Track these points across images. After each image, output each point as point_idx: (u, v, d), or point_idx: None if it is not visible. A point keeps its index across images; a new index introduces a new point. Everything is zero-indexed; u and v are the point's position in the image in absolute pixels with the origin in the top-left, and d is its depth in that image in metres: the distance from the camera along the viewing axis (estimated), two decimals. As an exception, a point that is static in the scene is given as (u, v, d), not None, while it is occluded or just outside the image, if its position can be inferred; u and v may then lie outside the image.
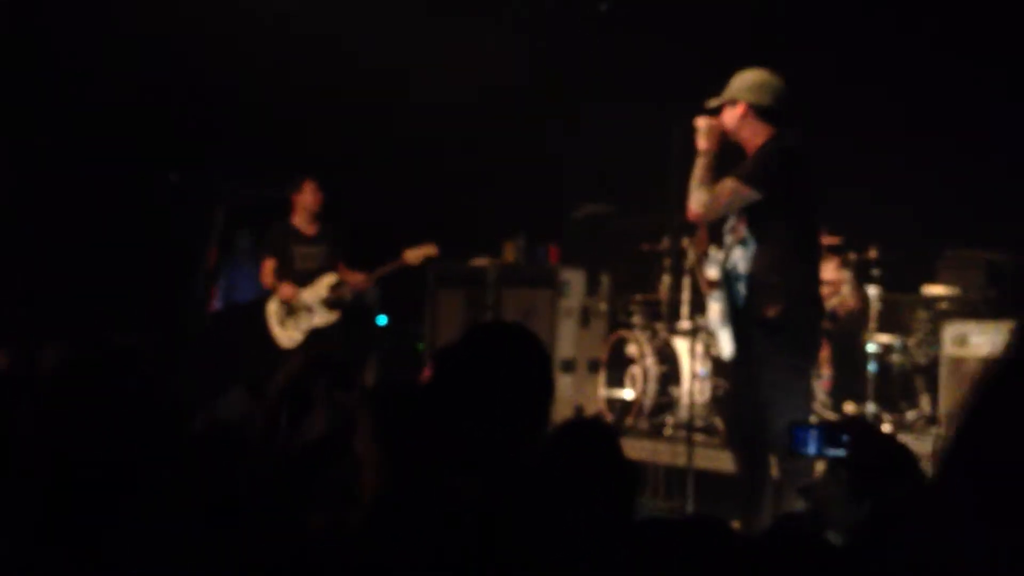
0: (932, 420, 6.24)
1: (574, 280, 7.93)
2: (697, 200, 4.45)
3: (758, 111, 4.46)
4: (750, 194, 4.32)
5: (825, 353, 6.78)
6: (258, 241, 7.72)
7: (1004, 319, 5.97)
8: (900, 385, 6.70)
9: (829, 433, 2.80)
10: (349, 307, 7.03)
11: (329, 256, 7.01)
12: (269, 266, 6.97)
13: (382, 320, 7.79)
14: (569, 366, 7.79)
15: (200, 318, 7.23)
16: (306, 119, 8.18)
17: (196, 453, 2.73)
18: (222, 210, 7.05)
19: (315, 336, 6.84)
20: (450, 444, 2.15)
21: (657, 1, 8.09)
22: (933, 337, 6.44)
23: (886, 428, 6.29)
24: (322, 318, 6.91)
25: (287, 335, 6.89)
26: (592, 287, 8.00)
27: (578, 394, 7.70)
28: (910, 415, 6.53)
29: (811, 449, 2.75)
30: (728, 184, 4.37)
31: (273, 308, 6.95)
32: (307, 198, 7.03)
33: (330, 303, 6.93)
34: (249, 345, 7.70)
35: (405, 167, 8.53)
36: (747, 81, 4.49)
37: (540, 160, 8.59)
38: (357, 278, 6.98)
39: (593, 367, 7.62)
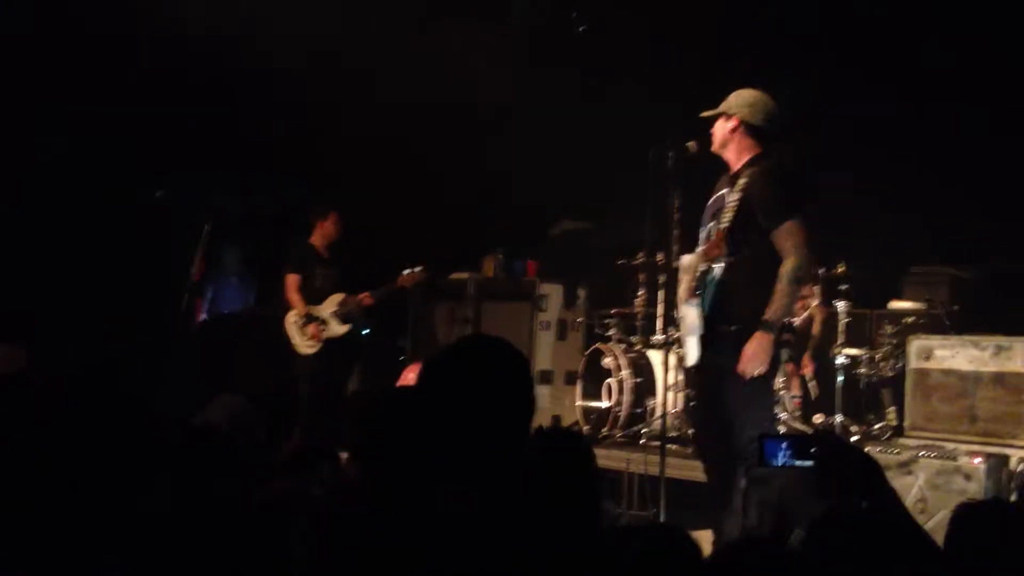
0: (898, 431, 6.41)
1: (552, 294, 8.11)
2: (797, 272, 4.43)
3: (749, 129, 4.63)
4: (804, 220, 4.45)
5: (792, 368, 6.97)
6: (246, 255, 7.91)
7: (967, 334, 6.17)
8: (867, 397, 6.89)
9: (798, 445, 2.86)
10: (357, 320, 7.69)
11: (340, 277, 7.69)
12: (294, 281, 7.60)
13: (364, 331, 7.94)
14: (547, 377, 7.96)
15: (186, 329, 7.37)
16: (292, 135, 8.29)
17: (175, 459, 2.84)
18: (208, 224, 7.20)
19: (330, 345, 7.51)
20: (434, 454, 2.24)
21: (637, 20, 8.25)
22: (899, 351, 6.62)
23: (853, 439, 6.48)
24: (335, 330, 7.56)
25: (306, 343, 7.51)
26: (569, 301, 8.17)
27: (555, 405, 7.87)
28: (877, 427, 6.72)
29: (780, 460, 2.81)
30: (795, 228, 4.40)
31: (292, 318, 7.55)
32: (329, 227, 7.74)
33: (341, 317, 7.57)
34: (238, 353, 7.88)
35: (388, 182, 8.65)
36: (743, 98, 4.65)
37: (519, 176, 8.73)
38: (361, 296, 7.62)
39: (570, 379, 7.77)
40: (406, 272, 7.59)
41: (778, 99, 4.68)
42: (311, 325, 7.51)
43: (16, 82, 7.56)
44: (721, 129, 4.66)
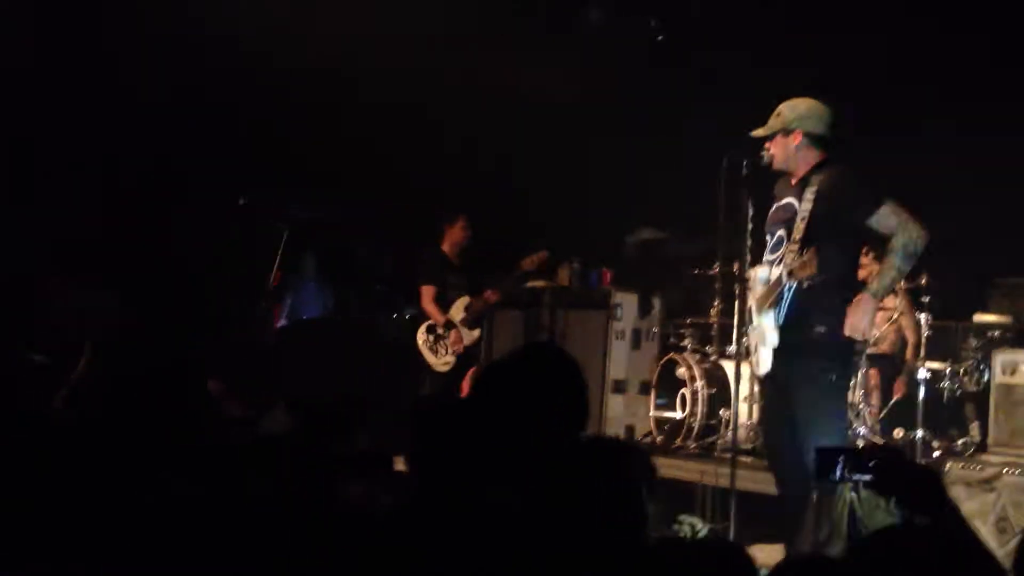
0: (982, 447, 6.25)
1: (626, 303, 8.06)
2: (913, 245, 4.40)
3: (811, 139, 4.57)
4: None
5: (874, 380, 6.83)
6: (321, 261, 8.03)
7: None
8: (950, 412, 6.72)
9: (856, 458, 2.81)
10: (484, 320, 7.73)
11: (469, 284, 7.62)
12: (429, 293, 7.53)
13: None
14: (621, 387, 7.91)
15: (264, 334, 7.51)
16: (371, 144, 8.40)
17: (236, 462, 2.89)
18: (287, 231, 7.34)
19: (464, 354, 7.49)
20: (486, 457, 2.27)
21: (713, 28, 8.21)
22: (983, 365, 6.46)
23: (935, 454, 6.33)
24: (468, 337, 7.55)
25: (442, 361, 7.49)
26: (644, 310, 8.12)
27: (629, 414, 7.83)
28: (960, 442, 6.55)
29: (836, 474, 2.77)
30: (895, 207, 4.39)
31: (422, 337, 7.53)
32: (457, 233, 7.64)
33: (469, 322, 7.54)
34: (311, 358, 7.97)
35: (468, 190, 8.72)
36: (799, 110, 4.59)
37: (595, 184, 8.73)
38: (487, 295, 7.55)
39: (644, 388, 7.73)
40: (528, 258, 7.48)
41: (830, 103, 4.62)
42: (452, 332, 7.45)
43: (105, 95, 7.80)
44: (783, 146, 4.59)
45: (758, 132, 4.66)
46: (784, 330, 4.48)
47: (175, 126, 7.98)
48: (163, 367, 2.93)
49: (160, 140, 8.03)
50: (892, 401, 6.85)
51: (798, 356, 4.45)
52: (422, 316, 7.64)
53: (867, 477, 2.72)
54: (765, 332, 4.54)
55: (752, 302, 4.70)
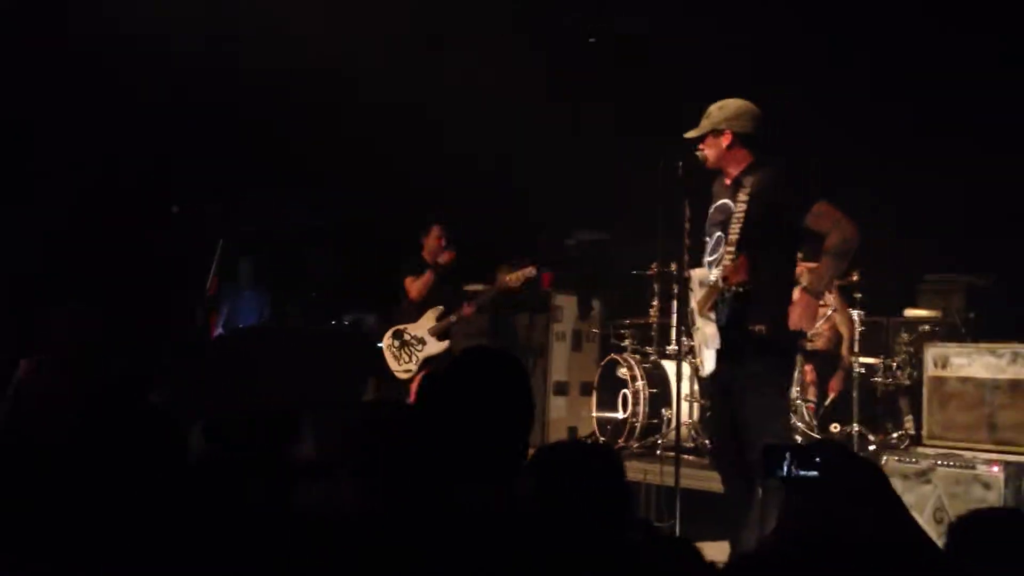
0: (916, 440, 6.38)
1: (567, 305, 8.12)
2: (847, 244, 4.44)
3: (742, 139, 4.63)
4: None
5: (810, 376, 6.95)
6: (259, 269, 7.93)
7: (983, 341, 6.14)
8: (884, 406, 6.87)
9: (802, 455, 2.85)
10: (452, 334, 7.43)
11: (445, 293, 7.44)
12: (411, 281, 7.38)
13: (380, 345, 7.95)
14: (562, 388, 7.96)
15: (201, 343, 7.41)
16: (307, 151, 8.34)
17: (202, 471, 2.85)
18: (223, 239, 7.25)
19: (428, 364, 7.25)
20: (441, 460, 2.27)
21: (651, 33, 8.28)
22: (915, 359, 6.60)
23: (871, 448, 6.46)
24: (432, 348, 7.32)
25: (403, 368, 7.34)
26: (584, 312, 8.18)
27: (571, 416, 7.88)
28: (895, 435, 6.69)
29: (783, 471, 2.81)
30: (826, 208, 4.44)
31: (387, 341, 7.40)
32: (433, 242, 7.48)
33: (438, 332, 7.33)
34: (252, 367, 7.86)
35: (403, 195, 8.69)
36: (728, 110, 4.65)
37: (534, 188, 8.76)
38: (464, 309, 7.33)
39: (585, 389, 7.78)
40: (512, 273, 7.16)
41: (762, 104, 4.70)
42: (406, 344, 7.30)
43: (31, 99, 7.64)
44: (714, 147, 4.65)
45: (690, 134, 4.72)
46: (725, 331, 4.54)
47: (109, 131, 7.83)
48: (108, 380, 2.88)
49: (94, 145, 7.89)
50: (830, 398, 6.97)
51: (740, 356, 4.50)
52: (389, 321, 7.53)
53: (814, 473, 2.76)
54: (707, 334, 4.59)
55: (693, 304, 4.75)
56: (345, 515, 2.51)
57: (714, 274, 4.59)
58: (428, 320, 7.34)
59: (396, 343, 7.37)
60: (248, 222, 7.42)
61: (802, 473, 2.82)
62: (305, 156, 8.39)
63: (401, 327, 7.38)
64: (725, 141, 4.63)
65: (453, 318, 7.28)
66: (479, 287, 7.62)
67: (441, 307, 7.33)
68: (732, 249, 4.48)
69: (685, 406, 6.79)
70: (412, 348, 7.32)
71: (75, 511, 2.48)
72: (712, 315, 4.56)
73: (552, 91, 8.48)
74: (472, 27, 8.17)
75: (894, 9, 7.27)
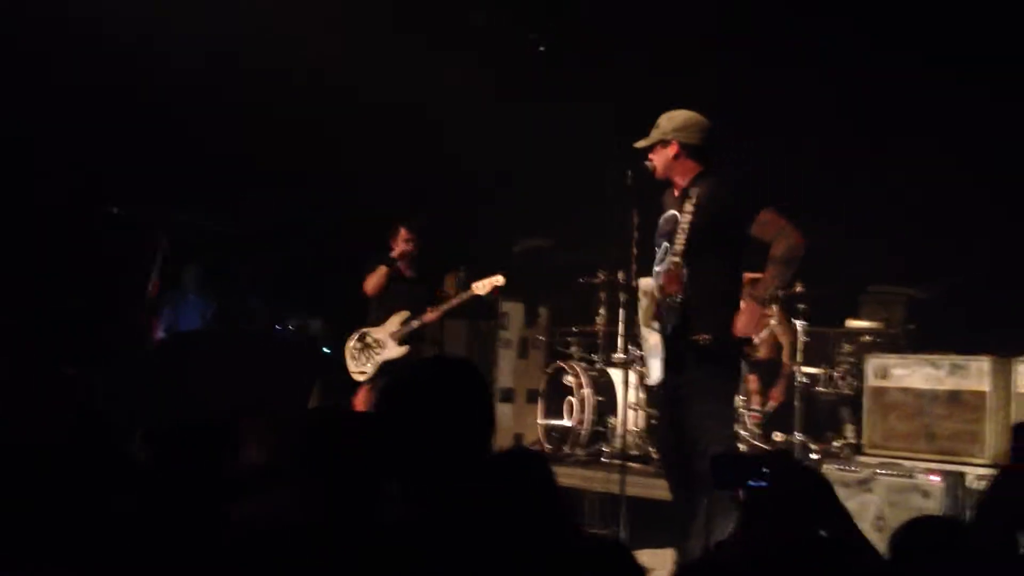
0: (857, 449, 6.47)
1: (513, 312, 8.12)
2: (793, 252, 4.52)
3: (689, 150, 4.67)
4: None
5: (753, 385, 7.02)
6: (204, 273, 7.82)
7: (923, 352, 6.25)
8: (826, 415, 6.94)
9: (751, 465, 2.88)
10: (416, 340, 7.28)
11: (416, 297, 7.26)
12: (368, 278, 7.21)
13: (327, 351, 7.88)
14: (508, 396, 7.96)
15: (141, 347, 7.28)
16: (252, 153, 8.25)
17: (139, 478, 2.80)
18: (166, 242, 7.13)
19: (385, 369, 7.10)
20: (390, 472, 2.25)
21: (596, 39, 8.32)
22: (857, 369, 6.68)
23: (813, 457, 6.52)
24: (391, 352, 7.15)
25: (359, 370, 7.20)
26: (531, 319, 8.18)
27: (517, 423, 7.88)
28: (836, 444, 6.77)
29: (733, 480, 2.84)
30: (772, 216, 4.53)
31: (351, 343, 7.27)
32: (401, 244, 7.31)
33: (400, 337, 7.19)
34: (194, 372, 7.73)
35: (348, 199, 8.64)
36: (676, 121, 4.69)
37: (480, 193, 8.75)
38: (427, 314, 7.21)
39: (532, 397, 7.78)
40: (482, 282, 7.11)
41: (710, 114, 4.75)
42: (367, 347, 7.17)
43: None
44: (662, 157, 4.69)
45: (639, 143, 4.75)
46: (669, 341, 4.56)
47: (48, 129, 7.68)
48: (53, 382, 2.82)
49: (31, 143, 7.73)
50: (771, 406, 7.03)
51: (683, 365, 4.54)
52: (339, 325, 7.48)
53: (763, 484, 2.79)
54: (651, 344, 4.61)
55: (640, 313, 4.77)
56: (285, 525, 2.48)
57: (655, 285, 4.63)
58: (392, 324, 7.23)
59: (358, 345, 7.25)
60: (191, 225, 7.29)
61: (751, 483, 2.86)
62: (252, 156, 8.29)
63: (367, 329, 7.27)
64: (672, 151, 4.67)
65: (415, 323, 7.17)
66: (448, 293, 7.53)
67: (408, 312, 7.21)
68: (677, 259, 4.52)
69: (631, 414, 6.82)
70: (372, 351, 7.19)
71: (10, 516, 2.43)
72: (656, 325, 4.59)
73: (500, 97, 8.49)
74: (415, 27, 8.16)
75: (833, 22, 7.38)
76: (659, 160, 4.70)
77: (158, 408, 5.69)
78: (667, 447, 4.87)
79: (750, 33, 7.66)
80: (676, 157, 4.67)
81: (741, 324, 4.48)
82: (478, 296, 7.09)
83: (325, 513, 2.47)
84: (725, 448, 4.23)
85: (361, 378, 7.19)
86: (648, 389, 6.54)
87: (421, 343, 7.26)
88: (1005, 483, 2.86)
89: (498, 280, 7.02)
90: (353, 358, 7.24)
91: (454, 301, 7.21)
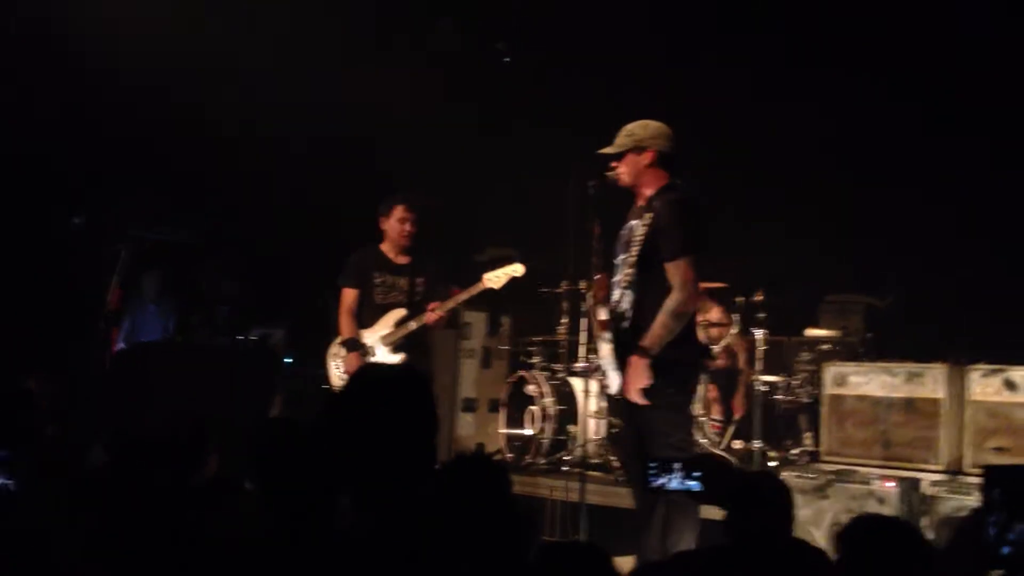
0: (815, 456, 6.53)
1: (476, 322, 8.14)
2: (680, 307, 4.45)
3: (662, 159, 4.68)
4: (698, 259, 4.50)
5: (713, 394, 7.08)
6: (165, 283, 7.74)
7: (880, 360, 6.33)
8: (784, 423, 7.02)
9: (685, 468, 2.94)
10: (414, 346, 6.06)
11: (416, 291, 6.16)
12: (346, 298, 6.14)
13: (287, 360, 7.83)
14: (470, 405, 7.97)
15: (100, 358, 7.22)
16: (212, 162, 8.23)
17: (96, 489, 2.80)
18: (126, 252, 7.08)
19: None
20: (339, 480, 2.25)
21: (560, 47, 8.38)
22: (815, 377, 6.76)
23: (772, 464, 6.59)
24: (385, 360, 6.01)
25: (337, 376, 6.22)
26: (493, 328, 8.20)
27: (479, 432, 7.89)
28: (794, 452, 6.84)
29: (668, 483, 2.89)
30: (684, 267, 4.45)
31: (334, 349, 6.26)
32: (395, 226, 6.18)
33: (393, 343, 6.06)
34: (155, 383, 7.68)
35: (308, 206, 8.61)
36: (651, 129, 4.67)
37: (443, 204, 8.76)
38: (429, 313, 5.98)
39: (494, 406, 7.79)
40: (495, 272, 5.95)
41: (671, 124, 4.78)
42: (352, 355, 6.02)
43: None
44: (633, 164, 4.66)
45: (608, 150, 4.71)
46: (620, 352, 4.58)
47: (7, 137, 7.63)
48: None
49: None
50: (734, 418, 7.09)
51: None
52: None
53: (696, 485, 2.85)
54: (605, 354, 4.64)
55: (595, 324, 4.79)
56: (243, 536, 2.48)
57: (615, 295, 4.65)
58: (385, 324, 6.08)
59: (342, 351, 6.17)
60: (151, 233, 7.24)
61: (686, 486, 2.92)
62: (216, 164, 8.26)
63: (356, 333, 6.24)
64: (647, 159, 4.65)
65: (413, 325, 5.98)
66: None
67: (404, 311, 6.07)
68: (631, 271, 4.55)
69: (592, 423, 6.85)
70: (362, 359, 6.07)
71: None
72: (608, 335, 4.61)
73: (462, 108, 8.52)
74: (373, 33, 8.17)
75: (789, 34, 7.49)
76: (628, 167, 4.67)
77: (118, 419, 5.65)
78: (629, 455, 4.90)
79: (706, 45, 7.74)
80: (649, 165, 4.66)
81: (630, 381, 4.42)
82: (491, 290, 5.95)
83: (281, 524, 2.47)
84: (680, 452, 4.27)
85: (342, 384, 6.29)
86: (609, 398, 6.57)
87: (418, 350, 6.05)
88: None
89: (517, 270, 5.87)
90: (336, 367, 6.23)
91: (462, 296, 6.02)
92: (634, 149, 4.67)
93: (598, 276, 4.57)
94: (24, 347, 7.38)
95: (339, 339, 6.19)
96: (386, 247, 6.23)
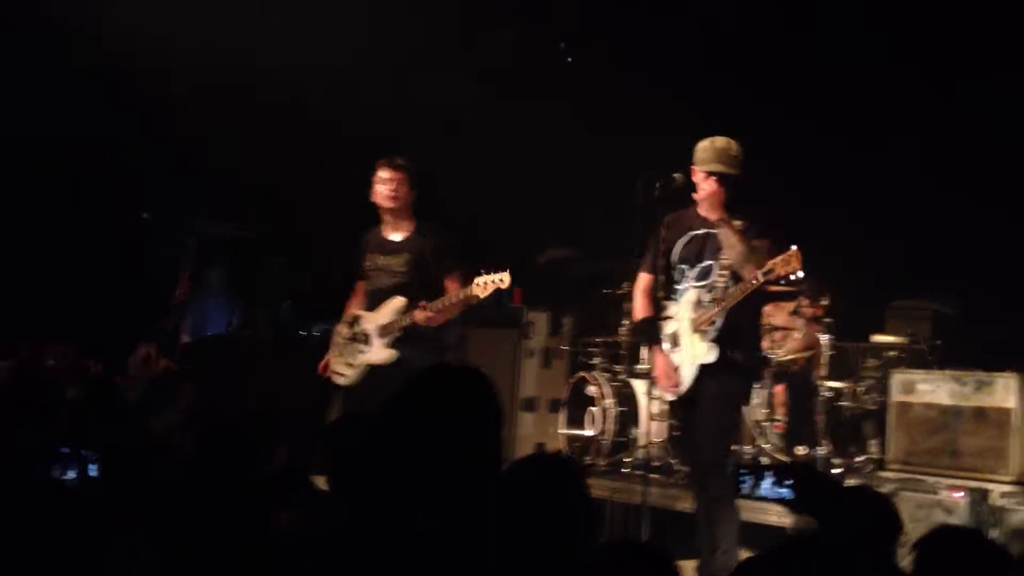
0: (880, 464, 6.44)
1: (538, 322, 8.13)
2: None
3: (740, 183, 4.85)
4: None
5: (781, 397, 7.00)
6: (230, 277, 7.87)
7: (948, 368, 6.23)
8: (849, 430, 6.92)
9: (775, 475, 2.92)
10: (414, 342, 5.40)
11: (414, 270, 5.49)
12: (356, 291, 5.72)
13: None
14: (531, 405, 7.96)
15: (170, 352, 7.35)
16: (277, 160, 8.33)
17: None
18: (193, 247, 7.20)
19: (371, 377, 5.45)
20: (406, 482, 2.26)
21: (628, 48, 8.37)
22: (881, 384, 6.67)
23: (835, 472, 6.51)
24: (374, 355, 5.47)
25: (339, 370, 5.61)
26: (555, 329, 8.19)
27: (539, 432, 7.88)
28: (858, 459, 6.74)
29: (757, 491, 2.88)
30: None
31: (340, 328, 5.72)
32: (377, 191, 5.50)
33: (389, 335, 5.44)
34: (216, 376, 7.80)
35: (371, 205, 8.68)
36: (738, 152, 4.84)
37: (506, 203, 8.79)
38: (418, 313, 5.33)
39: (554, 406, 7.78)
40: (483, 279, 5.24)
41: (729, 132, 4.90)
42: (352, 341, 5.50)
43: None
44: (723, 183, 4.82)
45: (723, 170, 4.80)
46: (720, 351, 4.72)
47: (80, 135, 7.79)
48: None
49: (64, 149, 7.84)
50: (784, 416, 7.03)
51: (716, 374, 4.71)
52: None
53: (787, 493, 2.83)
54: (699, 350, 4.67)
55: (678, 325, 4.84)
56: (315, 535, 2.51)
57: (705, 297, 4.77)
58: (385, 313, 5.46)
59: (348, 333, 5.62)
60: (221, 228, 7.36)
61: (776, 494, 2.90)
62: (278, 163, 8.36)
63: (359, 313, 5.62)
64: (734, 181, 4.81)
65: (405, 321, 5.36)
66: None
67: (404, 300, 5.40)
68: (725, 276, 4.71)
69: (653, 425, 6.81)
70: (357, 347, 5.54)
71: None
72: (708, 330, 4.68)
73: (528, 106, 8.54)
74: (432, 40, 8.23)
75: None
76: (714, 183, 4.81)
77: (201, 413, 5.73)
78: (691, 456, 4.99)
79: (769, 42, 7.69)
80: (734, 187, 4.80)
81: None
82: (477, 298, 5.26)
83: (357, 521, 2.49)
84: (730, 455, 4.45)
85: (342, 381, 5.57)
86: (671, 402, 6.55)
87: (421, 346, 5.39)
88: None
89: (503, 281, 5.18)
90: (339, 353, 5.61)
91: (448, 301, 5.31)
92: (738, 170, 4.81)
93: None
94: (97, 339, 7.54)
95: (348, 317, 5.68)
96: (384, 223, 5.60)
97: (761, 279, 4.49)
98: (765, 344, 6.78)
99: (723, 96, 7.51)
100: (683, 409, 4.89)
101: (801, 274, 4.45)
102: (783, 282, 4.46)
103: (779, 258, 4.49)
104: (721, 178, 4.78)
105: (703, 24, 7.88)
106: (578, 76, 8.70)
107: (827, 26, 7.49)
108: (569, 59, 8.83)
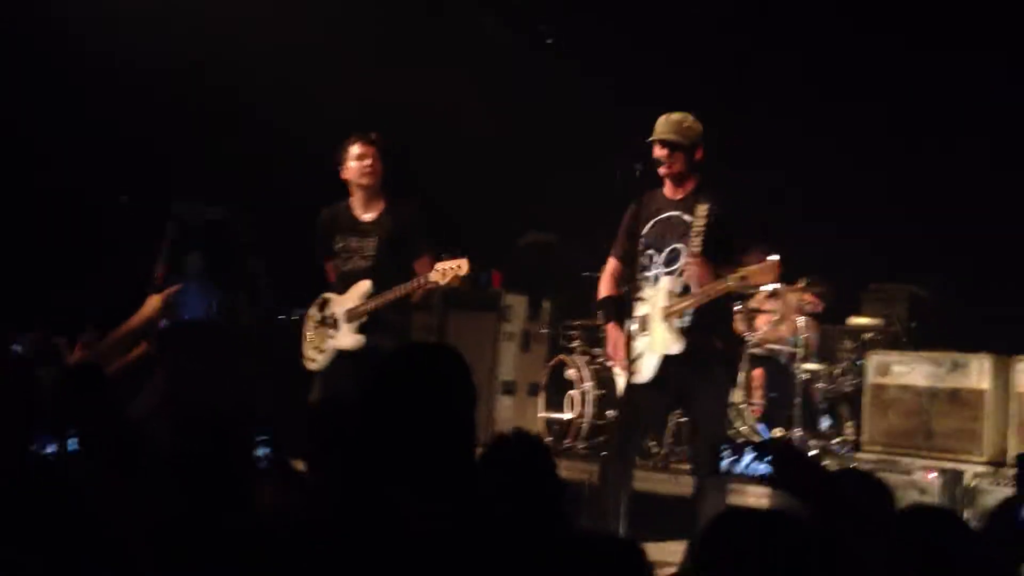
0: (856, 446, 6.50)
1: (516, 305, 8.14)
2: None
3: (703, 157, 4.79)
4: None
5: (758, 381, 7.04)
6: (209, 261, 7.81)
7: (924, 350, 6.28)
8: (825, 411, 6.98)
9: (755, 453, 2.93)
10: (380, 327, 5.20)
11: (386, 253, 5.29)
12: (329, 271, 5.50)
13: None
14: (510, 388, 7.98)
15: (148, 334, 7.30)
16: (259, 144, 8.28)
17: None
18: (172, 231, 7.15)
19: (341, 362, 5.30)
20: (385, 459, 2.27)
21: (607, 31, 8.36)
22: (857, 366, 6.72)
23: (811, 453, 6.55)
24: (343, 340, 5.31)
25: (310, 354, 5.44)
26: (534, 312, 8.20)
27: (518, 416, 7.89)
28: (835, 441, 6.80)
29: (737, 467, 2.89)
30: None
31: (312, 311, 5.50)
32: (351, 168, 5.30)
33: (357, 320, 5.24)
34: (191, 361, 7.76)
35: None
36: (699, 129, 4.77)
37: (486, 186, 8.78)
38: (379, 298, 5.18)
39: (533, 390, 7.80)
40: (442, 266, 4.98)
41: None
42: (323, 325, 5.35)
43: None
44: (683, 159, 4.74)
45: (671, 137, 4.72)
46: (689, 339, 4.66)
47: (54, 120, 7.73)
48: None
49: (39, 136, 7.78)
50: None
51: (698, 362, 4.66)
52: None
53: (766, 469, 2.84)
54: (666, 339, 4.67)
55: (650, 310, 4.79)
56: (299, 516, 2.51)
57: (677, 284, 4.70)
58: (353, 297, 5.28)
59: (318, 316, 5.45)
60: (197, 211, 7.31)
61: (755, 470, 2.91)
62: (259, 146, 8.32)
63: (329, 295, 5.46)
64: (698, 156, 4.75)
65: (370, 305, 5.18)
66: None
67: (370, 283, 5.22)
68: (695, 260, 4.62)
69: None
70: (327, 331, 5.38)
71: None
72: (677, 321, 4.66)
73: (504, 90, 8.52)
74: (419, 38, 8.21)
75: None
76: (679, 161, 4.74)
77: (178, 397, 5.69)
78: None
79: (750, 28, 7.70)
80: (699, 162, 4.75)
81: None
82: (436, 284, 5.01)
83: (342, 506, 2.49)
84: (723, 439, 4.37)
85: (312, 366, 5.42)
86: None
87: (384, 332, 5.17)
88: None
89: (461, 268, 4.93)
90: (311, 339, 5.45)
91: (409, 286, 5.08)
92: (694, 144, 4.75)
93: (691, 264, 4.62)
94: (72, 324, 7.49)
95: (319, 300, 5.50)
96: (353, 202, 5.38)
97: (732, 286, 4.49)
98: (742, 327, 6.82)
99: (707, 79, 7.52)
100: (640, 394, 4.81)
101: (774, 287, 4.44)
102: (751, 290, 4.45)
103: (756, 267, 4.44)
104: (672, 149, 4.74)
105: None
106: (560, 57, 8.68)
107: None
108: (549, 40, 8.79)
